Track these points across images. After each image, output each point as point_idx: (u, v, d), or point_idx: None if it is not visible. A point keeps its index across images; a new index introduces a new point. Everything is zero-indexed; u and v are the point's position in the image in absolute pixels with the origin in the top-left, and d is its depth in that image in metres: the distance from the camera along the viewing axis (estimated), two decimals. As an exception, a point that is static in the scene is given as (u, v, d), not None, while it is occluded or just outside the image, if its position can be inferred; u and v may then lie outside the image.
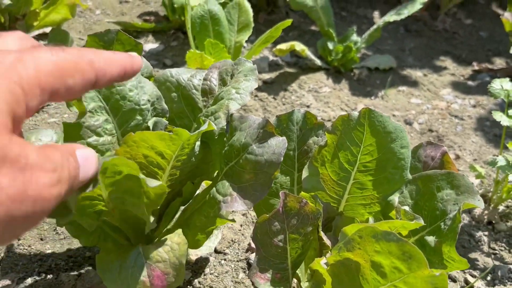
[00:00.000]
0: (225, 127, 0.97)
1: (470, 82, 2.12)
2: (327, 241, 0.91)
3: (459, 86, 2.07)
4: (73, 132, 0.89)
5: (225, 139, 0.96)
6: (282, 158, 0.85)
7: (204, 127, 0.82)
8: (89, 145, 0.90)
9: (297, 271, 1.00)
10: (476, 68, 2.21)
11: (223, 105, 0.97)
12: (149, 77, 1.09)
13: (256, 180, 0.87)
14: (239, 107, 0.97)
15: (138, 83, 0.98)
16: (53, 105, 1.63)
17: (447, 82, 2.10)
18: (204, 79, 1.03)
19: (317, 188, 0.96)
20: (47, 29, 1.90)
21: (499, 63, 2.31)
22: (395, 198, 0.95)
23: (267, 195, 1.02)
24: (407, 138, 0.93)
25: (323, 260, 0.84)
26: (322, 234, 0.91)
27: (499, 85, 1.39)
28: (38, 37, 1.93)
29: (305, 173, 0.96)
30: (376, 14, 2.54)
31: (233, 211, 1.34)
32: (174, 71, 1.04)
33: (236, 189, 0.89)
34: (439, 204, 0.92)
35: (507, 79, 1.40)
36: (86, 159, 0.56)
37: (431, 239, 0.91)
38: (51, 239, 1.19)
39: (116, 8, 2.28)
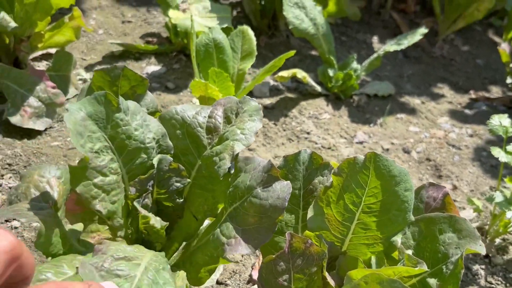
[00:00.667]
0: (229, 168, 0.98)
1: (467, 111, 2.15)
2: (331, 281, 0.92)
3: (456, 115, 2.10)
4: (78, 174, 0.89)
5: (229, 179, 0.97)
6: (286, 204, 0.86)
7: None
8: (95, 185, 0.90)
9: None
10: (473, 96, 2.24)
11: (228, 146, 0.98)
12: (154, 112, 1.10)
13: (260, 224, 0.88)
14: (244, 148, 0.98)
15: (143, 122, 0.99)
16: (55, 128, 1.64)
17: (444, 110, 2.12)
18: (209, 117, 1.04)
19: (322, 227, 0.97)
20: (52, 50, 1.91)
21: (495, 91, 2.34)
22: (398, 239, 0.96)
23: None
24: (410, 182, 0.95)
25: (327, 304, 0.85)
26: (326, 274, 0.92)
27: (498, 121, 1.42)
28: (42, 57, 1.94)
29: (310, 213, 0.97)
30: (375, 39, 2.58)
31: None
32: (179, 108, 1.05)
33: (240, 232, 0.89)
34: (441, 247, 0.94)
35: (506, 115, 1.43)
36: None
37: (433, 282, 0.92)
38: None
39: (118, 28, 2.29)
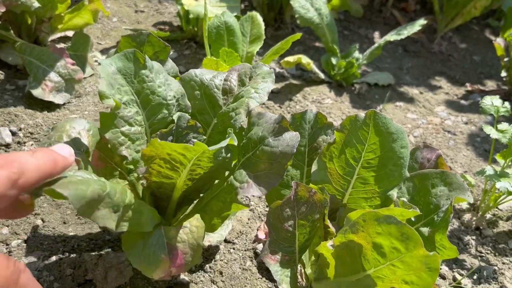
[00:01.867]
0: (244, 122, 1.08)
1: (463, 101, 2.25)
2: (332, 228, 1.01)
3: (452, 104, 2.20)
4: (108, 121, 0.99)
5: (243, 133, 1.07)
6: (295, 150, 0.95)
7: (223, 144, 0.90)
8: (122, 133, 1.00)
9: (302, 257, 1.10)
10: (469, 88, 2.34)
11: (243, 103, 1.08)
12: (174, 76, 1.20)
13: (270, 169, 0.98)
14: (258, 105, 1.08)
15: (165, 81, 1.08)
16: (74, 103, 1.73)
17: (441, 100, 2.23)
18: (225, 80, 1.14)
19: (325, 181, 1.07)
20: (69, 33, 2.01)
21: (490, 85, 2.45)
22: (394, 193, 1.06)
23: (278, 185, 1.13)
24: (406, 139, 1.04)
25: (329, 243, 0.94)
26: (328, 222, 1.01)
27: (490, 101, 1.52)
28: (60, 40, 2.04)
29: (314, 167, 1.07)
30: (376, 34, 2.68)
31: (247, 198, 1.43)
32: (198, 71, 1.15)
33: (252, 177, 0.99)
34: (433, 199, 1.03)
35: (497, 96, 1.53)
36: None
37: (425, 230, 1.02)
38: (73, 223, 1.28)
39: (132, 16, 2.40)
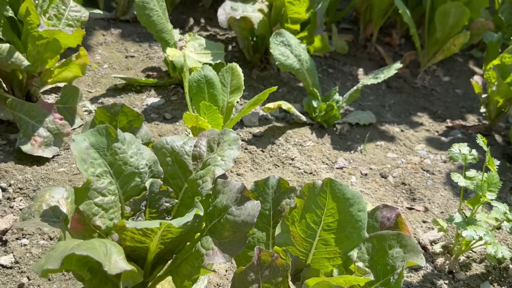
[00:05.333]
0: (211, 189, 1.15)
1: (443, 138, 2.31)
2: (295, 290, 1.07)
3: (432, 142, 2.26)
4: (81, 194, 1.06)
5: (210, 199, 1.14)
6: (255, 220, 1.02)
7: (189, 218, 0.97)
8: (95, 204, 1.07)
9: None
10: (450, 124, 2.40)
11: (210, 170, 1.16)
12: (147, 143, 1.28)
13: (234, 237, 1.04)
14: (223, 172, 1.15)
15: (138, 150, 1.16)
16: (62, 155, 1.81)
17: (422, 138, 2.29)
18: (195, 146, 1.22)
19: (288, 243, 1.13)
20: (60, 84, 2.11)
21: (471, 119, 2.51)
22: (354, 253, 1.12)
23: (246, 248, 1.20)
24: (363, 203, 1.11)
25: (289, 307, 1.00)
26: (290, 283, 1.07)
27: (458, 149, 1.58)
28: (51, 90, 2.14)
29: (277, 230, 1.13)
30: (360, 71, 2.76)
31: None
32: (169, 139, 1.22)
33: (217, 244, 1.05)
34: (390, 260, 1.09)
35: (465, 144, 1.59)
36: None
37: (382, 290, 1.07)
38: (57, 279, 1.35)
39: (122, 62, 2.49)
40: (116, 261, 0.91)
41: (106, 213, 1.10)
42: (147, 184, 1.17)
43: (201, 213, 1.02)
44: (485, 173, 1.51)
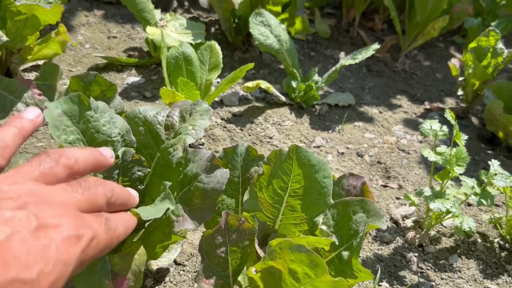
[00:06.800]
0: (182, 157, 1.18)
1: (420, 120, 2.36)
2: (261, 253, 1.11)
3: (410, 123, 2.31)
4: (54, 158, 1.08)
5: (180, 168, 1.17)
6: (224, 187, 1.05)
7: (156, 215, 0.99)
8: (66, 169, 1.09)
9: (239, 278, 1.19)
10: (428, 107, 2.45)
11: (181, 139, 1.18)
12: (120, 113, 1.30)
13: (203, 204, 1.07)
14: (194, 141, 1.18)
15: (110, 119, 1.18)
16: (41, 131, 1.83)
17: (399, 119, 2.33)
18: (167, 116, 1.24)
19: (256, 209, 1.16)
20: (40, 62, 2.11)
21: (450, 102, 2.55)
22: (320, 219, 1.15)
23: (215, 214, 1.23)
24: (328, 170, 1.14)
25: (253, 268, 1.04)
26: (257, 247, 1.11)
27: (429, 125, 1.62)
28: (32, 68, 2.14)
29: (246, 197, 1.16)
30: (342, 54, 2.79)
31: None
32: (142, 108, 1.24)
33: (187, 211, 1.08)
34: (353, 225, 1.13)
35: (436, 120, 1.62)
36: None
37: (345, 254, 1.11)
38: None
39: (104, 42, 2.50)
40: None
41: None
42: (120, 153, 1.19)
43: (172, 207, 1.04)
44: (454, 148, 1.55)
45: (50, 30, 2.10)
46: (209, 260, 1.10)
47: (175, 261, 1.40)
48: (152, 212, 1.01)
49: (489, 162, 1.61)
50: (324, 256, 1.15)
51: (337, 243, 1.10)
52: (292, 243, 0.96)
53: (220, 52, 1.89)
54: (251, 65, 1.74)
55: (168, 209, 1.13)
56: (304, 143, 2.03)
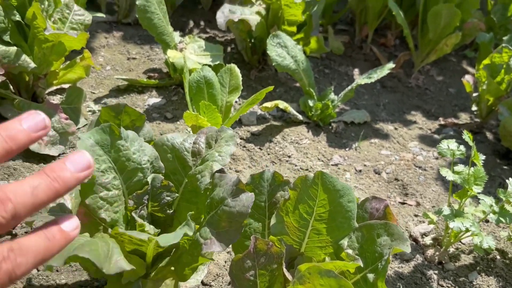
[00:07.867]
0: (209, 183, 1.22)
1: (435, 136, 2.38)
2: (289, 276, 1.14)
3: (425, 139, 2.33)
4: (87, 189, 1.13)
5: (208, 192, 1.21)
6: (249, 210, 1.09)
7: (174, 240, 1.03)
8: (101, 198, 1.14)
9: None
10: (442, 122, 2.48)
11: (208, 166, 1.23)
12: (150, 140, 1.35)
13: (230, 227, 1.12)
14: (221, 167, 1.22)
15: (140, 147, 1.23)
16: (68, 153, 1.89)
17: (415, 135, 2.36)
18: (194, 143, 1.29)
19: (283, 233, 1.20)
20: (65, 85, 2.18)
21: (464, 118, 2.58)
22: (345, 242, 1.19)
23: (243, 237, 1.27)
24: (353, 194, 1.18)
25: (282, 292, 1.08)
26: (284, 270, 1.15)
27: (446, 145, 1.65)
28: (56, 92, 2.21)
29: (272, 221, 1.20)
30: (356, 71, 2.84)
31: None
32: (169, 136, 1.30)
33: (214, 234, 1.12)
34: (378, 248, 1.16)
35: (453, 140, 1.66)
36: None
37: (371, 276, 1.14)
38: (65, 271, 1.42)
39: (124, 64, 2.57)
40: (116, 261, 0.97)
41: (111, 206, 1.17)
42: (149, 179, 1.24)
43: (190, 233, 1.07)
44: (471, 168, 1.58)
45: (73, 55, 2.17)
46: (238, 283, 1.14)
47: (202, 282, 1.44)
48: (169, 238, 1.05)
49: (507, 180, 1.63)
50: (349, 278, 1.18)
51: (362, 265, 1.13)
52: (321, 268, 1.00)
53: (240, 75, 1.94)
54: (270, 88, 1.79)
55: (192, 233, 1.17)
56: (322, 161, 2.07)
